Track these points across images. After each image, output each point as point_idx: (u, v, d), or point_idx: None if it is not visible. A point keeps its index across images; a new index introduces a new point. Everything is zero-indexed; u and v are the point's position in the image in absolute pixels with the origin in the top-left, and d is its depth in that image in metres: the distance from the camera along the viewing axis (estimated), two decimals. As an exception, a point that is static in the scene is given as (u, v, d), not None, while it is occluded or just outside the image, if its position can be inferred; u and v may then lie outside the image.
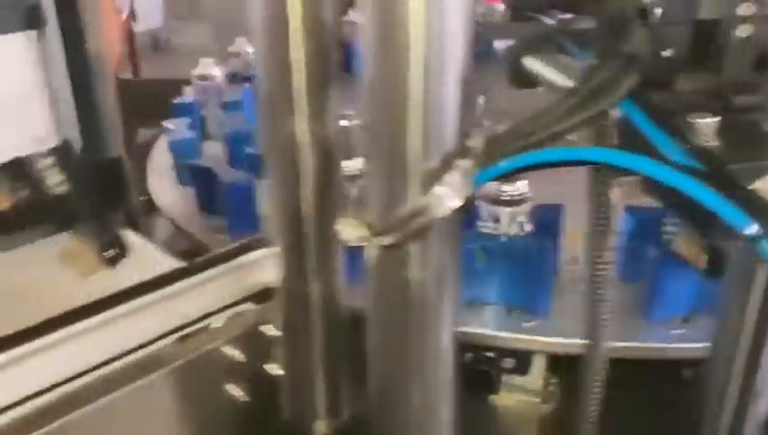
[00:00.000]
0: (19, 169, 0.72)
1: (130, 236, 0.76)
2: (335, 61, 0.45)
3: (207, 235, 0.81)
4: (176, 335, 0.55)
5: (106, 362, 0.51)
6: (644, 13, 0.41)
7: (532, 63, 0.54)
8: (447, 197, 0.38)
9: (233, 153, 0.88)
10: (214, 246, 0.77)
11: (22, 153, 0.71)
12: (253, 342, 0.58)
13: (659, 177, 0.35)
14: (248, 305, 0.59)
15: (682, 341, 0.62)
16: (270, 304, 0.59)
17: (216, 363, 0.56)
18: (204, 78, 1.10)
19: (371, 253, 0.42)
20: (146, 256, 0.74)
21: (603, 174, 0.40)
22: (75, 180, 0.72)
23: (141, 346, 0.53)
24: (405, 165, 0.38)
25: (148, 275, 0.57)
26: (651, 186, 0.40)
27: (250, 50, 1.16)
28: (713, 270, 0.55)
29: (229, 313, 0.58)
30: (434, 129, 0.38)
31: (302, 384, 0.56)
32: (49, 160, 0.72)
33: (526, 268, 0.62)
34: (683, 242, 0.61)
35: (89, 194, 0.74)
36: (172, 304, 0.55)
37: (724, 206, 0.34)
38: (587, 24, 0.49)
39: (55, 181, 0.72)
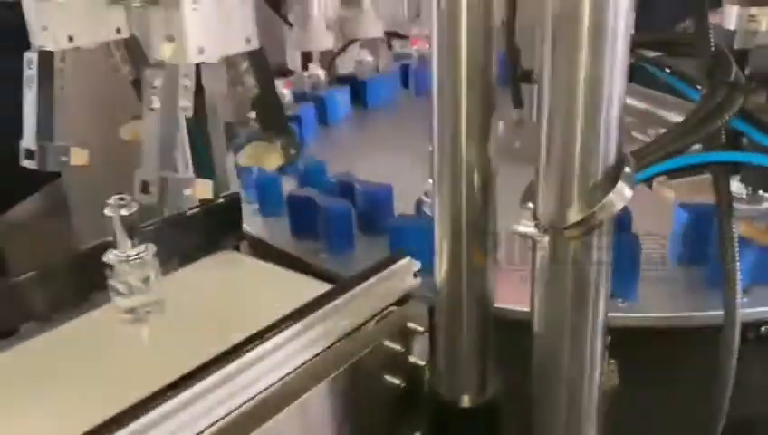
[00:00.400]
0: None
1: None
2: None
3: (306, 256, 0.92)
4: (343, 338, 0.65)
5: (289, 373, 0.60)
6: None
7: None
8: (620, 198, 0.50)
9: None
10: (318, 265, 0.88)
11: (233, 51, 0.75)
12: (402, 337, 0.68)
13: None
14: (395, 308, 0.70)
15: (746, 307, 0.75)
16: (412, 305, 0.70)
17: (376, 359, 0.67)
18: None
19: (545, 246, 0.54)
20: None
21: (724, 173, 0.53)
22: (262, 85, 0.79)
23: (315, 356, 0.63)
24: (580, 173, 0.50)
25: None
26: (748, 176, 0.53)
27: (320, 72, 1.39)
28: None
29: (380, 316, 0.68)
30: (603, 143, 0.50)
31: (451, 368, 0.67)
32: (247, 63, 0.78)
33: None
34: (742, 226, 0.74)
35: (273, 98, 0.81)
36: (330, 321, 0.64)
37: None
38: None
39: (251, 84, 0.79)
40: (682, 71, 0.58)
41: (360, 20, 1.43)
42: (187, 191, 0.74)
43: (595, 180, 0.50)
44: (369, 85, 1.52)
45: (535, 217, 0.54)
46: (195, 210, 0.82)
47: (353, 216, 0.91)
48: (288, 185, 1.04)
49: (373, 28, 1.46)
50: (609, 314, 0.71)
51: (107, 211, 0.67)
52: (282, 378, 0.59)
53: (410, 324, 0.69)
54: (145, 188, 0.72)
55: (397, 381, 0.68)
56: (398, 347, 0.67)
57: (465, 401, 0.67)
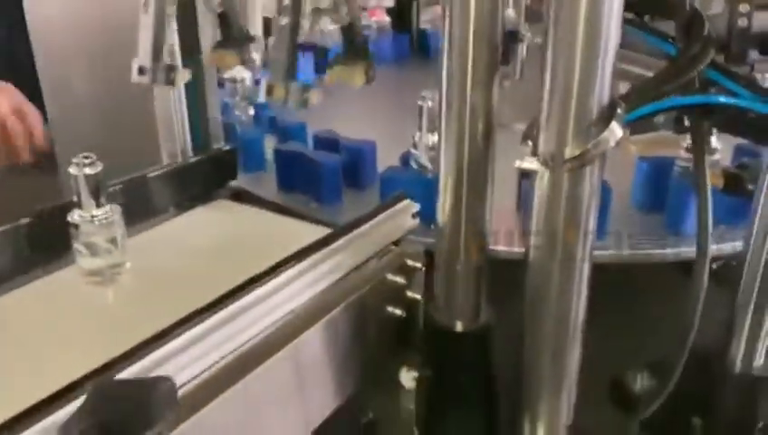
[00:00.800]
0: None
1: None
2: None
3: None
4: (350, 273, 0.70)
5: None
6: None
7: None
8: (613, 135, 0.57)
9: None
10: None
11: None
12: (402, 273, 0.74)
13: (756, 108, 0.56)
14: (394, 247, 0.76)
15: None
16: (410, 244, 0.77)
17: (378, 293, 0.73)
18: (233, 81, 1.25)
19: (543, 177, 0.61)
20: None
21: (702, 119, 0.61)
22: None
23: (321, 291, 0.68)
24: (577, 113, 0.57)
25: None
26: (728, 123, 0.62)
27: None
28: (729, 188, 0.78)
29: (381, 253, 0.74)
30: (598, 88, 0.57)
31: (448, 298, 0.74)
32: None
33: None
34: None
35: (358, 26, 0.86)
36: (342, 255, 0.70)
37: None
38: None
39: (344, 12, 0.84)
40: (659, 29, 0.65)
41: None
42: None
43: (591, 120, 0.57)
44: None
45: (535, 154, 0.60)
46: (195, 159, 0.85)
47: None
48: (270, 143, 1.09)
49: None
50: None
51: (71, 169, 0.67)
52: (288, 313, 0.64)
53: (409, 261, 0.75)
54: (141, 71, 0.80)
55: (397, 312, 0.74)
56: (398, 280, 0.73)
57: (460, 327, 0.74)
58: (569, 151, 0.58)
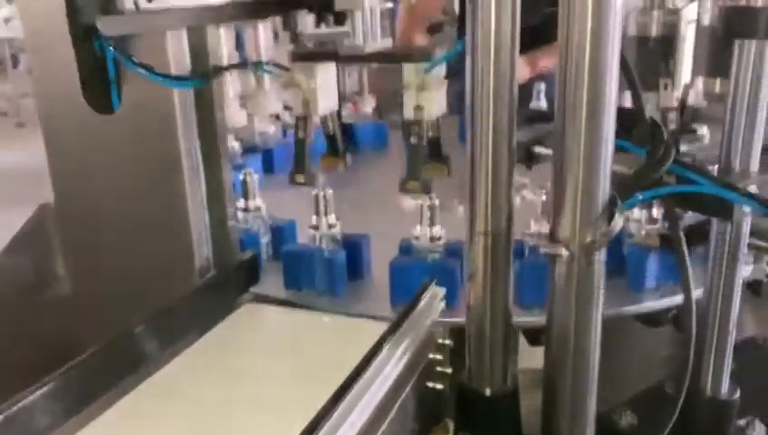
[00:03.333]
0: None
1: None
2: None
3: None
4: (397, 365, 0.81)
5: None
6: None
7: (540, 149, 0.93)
8: (617, 224, 0.74)
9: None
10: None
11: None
12: (438, 350, 0.87)
13: (711, 192, 0.75)
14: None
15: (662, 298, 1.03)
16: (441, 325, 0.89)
17: (426, 371, 0.85)
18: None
19: (563, 258, 0.76)
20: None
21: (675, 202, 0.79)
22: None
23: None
24: (588, 209, 0.74)
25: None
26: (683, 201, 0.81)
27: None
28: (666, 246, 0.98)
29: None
30: (601, 189, 0.74)
31: (478, 366, 0.87)
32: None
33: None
34: (641, 237, 1.03)
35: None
36: (402, 346, 0.81)
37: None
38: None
39: None
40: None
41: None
42: None
43: (598, 213, 0.74)
44: (275, 152, 1.71)
45: (553, 239, 0.76)
46: (226, 268, 0.94)
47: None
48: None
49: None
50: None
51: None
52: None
53: (440, 340, 0.88)
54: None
55: (439, 386, 0.86)
56: (438, 357, 0.86)
57: (489, 392, 0.87)
58: (583, 239, 0.74)
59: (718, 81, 0.92)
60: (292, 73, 0.98)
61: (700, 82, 1.01)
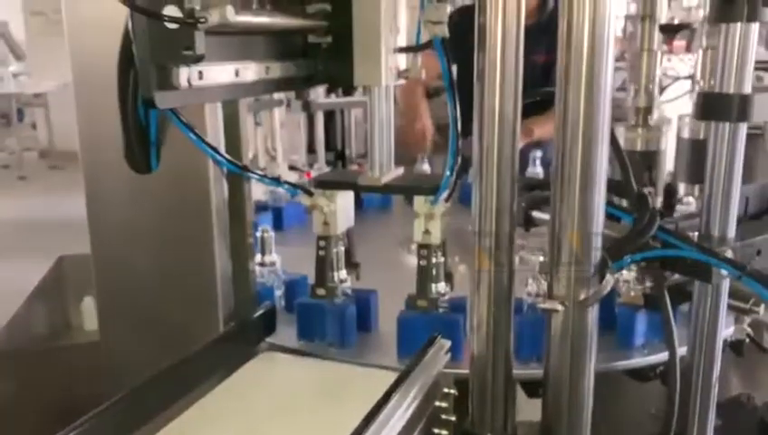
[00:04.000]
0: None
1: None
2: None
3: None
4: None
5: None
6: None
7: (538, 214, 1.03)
8: (608, 283, 0.82)
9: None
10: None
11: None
12: (443, 399, 0.94)
13: (694, 256, 0.84)
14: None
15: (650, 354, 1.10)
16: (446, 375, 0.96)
17: (431, 418, 0.91)
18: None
19: (559, 314, 0.84)
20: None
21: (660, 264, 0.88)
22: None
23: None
24: (582, 269, 0.82)
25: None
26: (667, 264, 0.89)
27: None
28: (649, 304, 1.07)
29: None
30: (593, 253, 0.83)
31: (481, 413, 0.93)
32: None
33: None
34: (628, 297, 1.12)
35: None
36: (411, 394, 0.87)
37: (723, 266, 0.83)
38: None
39: None
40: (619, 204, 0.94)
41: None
42: None
43: (590, 274, 0.83)
44: (285, 210, 1.81)
45: (551, 296, 0.84)
46: (249, 319, 1.02)
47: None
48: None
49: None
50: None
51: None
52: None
53: (445, 389, 0.95)
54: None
55: (444, 433, 0.93)
56: (443, 405, 0.92)
57: (492, 439, 0.94)
58: (579, 296, 0.83)
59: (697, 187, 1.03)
60: (315, 198, 1.10)
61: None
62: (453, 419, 0.95)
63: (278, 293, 1.28)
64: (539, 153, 1.92)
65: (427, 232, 1.09)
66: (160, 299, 1.05)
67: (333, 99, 2.68)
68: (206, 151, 0.97)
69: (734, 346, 1.18)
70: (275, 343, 1.16)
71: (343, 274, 1.17)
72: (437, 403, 0.93)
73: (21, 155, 6.74)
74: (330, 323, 1.15)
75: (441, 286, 1.11)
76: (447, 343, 0.97)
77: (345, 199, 1.15)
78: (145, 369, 0.90)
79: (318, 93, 1.95)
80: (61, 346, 1.40)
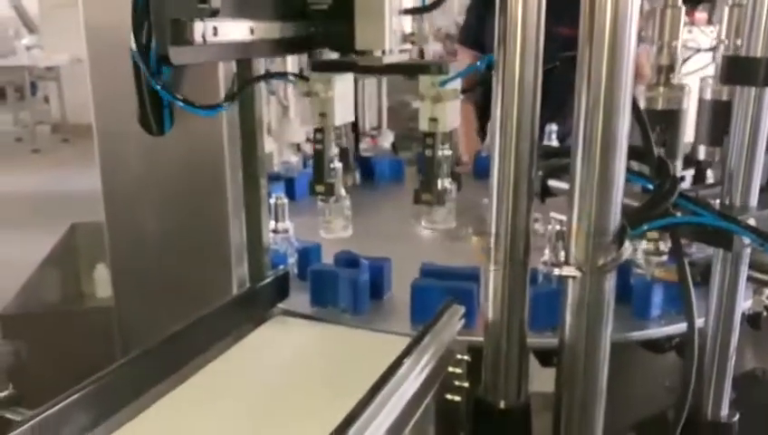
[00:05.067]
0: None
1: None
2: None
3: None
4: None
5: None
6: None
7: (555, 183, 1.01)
8: (627, 250, 0.81)
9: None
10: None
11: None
12: (456, 365, 0.93)
13: (713, 223, 0.82)
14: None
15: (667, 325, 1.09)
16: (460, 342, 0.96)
17: (444, 384, 0.91)
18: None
19: (576, 281, 0.83)
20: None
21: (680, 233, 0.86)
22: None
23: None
24: (602, 235, 0.81)
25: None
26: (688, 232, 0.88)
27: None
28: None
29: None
30: (613, 218, 0.81)
31: (494, 380, 0.93)
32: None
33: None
34: (659, 271, 1.10)
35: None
36: (423, 360, 0.86)
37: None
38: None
39: None
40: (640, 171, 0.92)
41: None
42: None
43: (609, 238, 0.81)
44: (297, 180, 1.80)
45: (568, 263, 0.83)
46: (264, 283, 1.02)
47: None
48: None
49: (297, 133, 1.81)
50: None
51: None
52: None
53: (458, 355, 0.94)
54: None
55: (457, 398, 0.92)
56: (457, 371, 0.92)
57: (503, 405, 0.93)
58: (597, 262, 0.82)
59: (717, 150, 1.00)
60: (311, 83, 1.03)
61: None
62: (466, 385, 0.95)
63: (291, 260, 1.27)
64: (555, 127, 1.89)
65: (433, 119, 0.99)
66: (174, 264, 1.04)
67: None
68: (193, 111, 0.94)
69: (752, 319, 1.16)
70: (288, 309, 1.16)
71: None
72: (451, 369, 0.92)
73: (34, 128, 6.79)
74: (342, 289, 1.14)
75: (447, 182, 1.05)
76: (462, 309, 0.96)
77: (344, 86, 1.06)
78: (159, 334, 0.90)
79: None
80: (74, 310, 1.40)
